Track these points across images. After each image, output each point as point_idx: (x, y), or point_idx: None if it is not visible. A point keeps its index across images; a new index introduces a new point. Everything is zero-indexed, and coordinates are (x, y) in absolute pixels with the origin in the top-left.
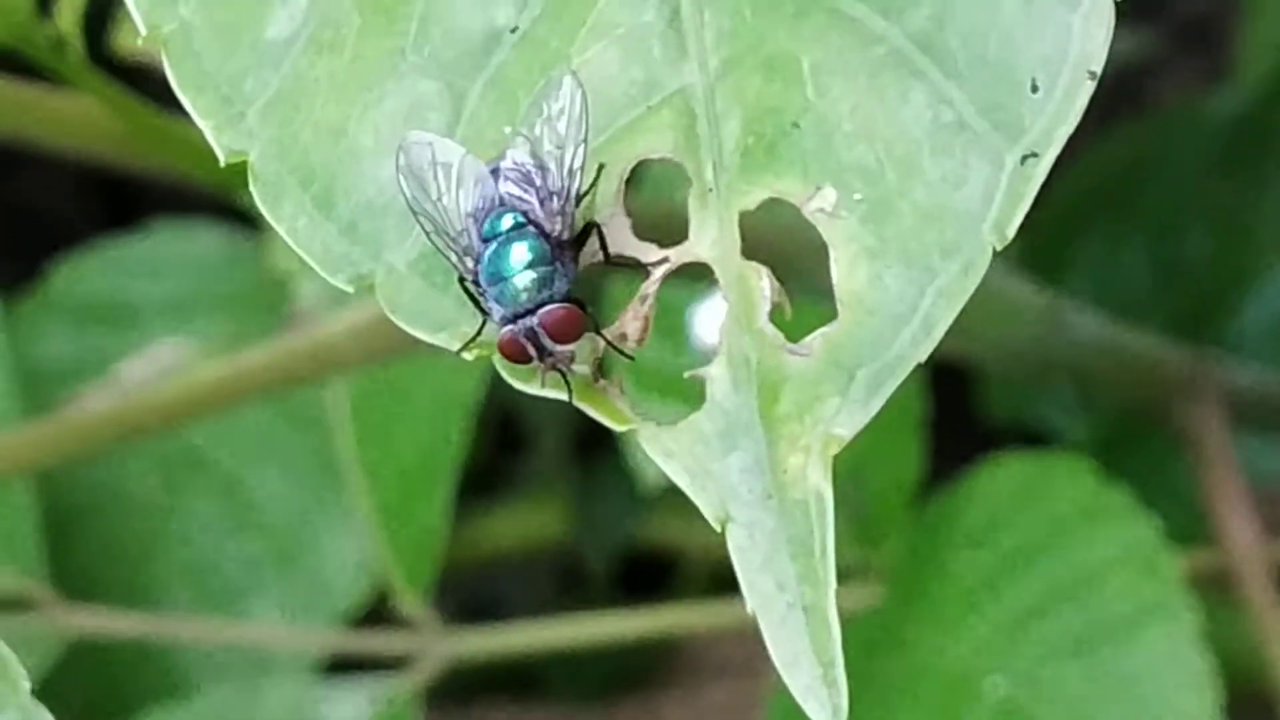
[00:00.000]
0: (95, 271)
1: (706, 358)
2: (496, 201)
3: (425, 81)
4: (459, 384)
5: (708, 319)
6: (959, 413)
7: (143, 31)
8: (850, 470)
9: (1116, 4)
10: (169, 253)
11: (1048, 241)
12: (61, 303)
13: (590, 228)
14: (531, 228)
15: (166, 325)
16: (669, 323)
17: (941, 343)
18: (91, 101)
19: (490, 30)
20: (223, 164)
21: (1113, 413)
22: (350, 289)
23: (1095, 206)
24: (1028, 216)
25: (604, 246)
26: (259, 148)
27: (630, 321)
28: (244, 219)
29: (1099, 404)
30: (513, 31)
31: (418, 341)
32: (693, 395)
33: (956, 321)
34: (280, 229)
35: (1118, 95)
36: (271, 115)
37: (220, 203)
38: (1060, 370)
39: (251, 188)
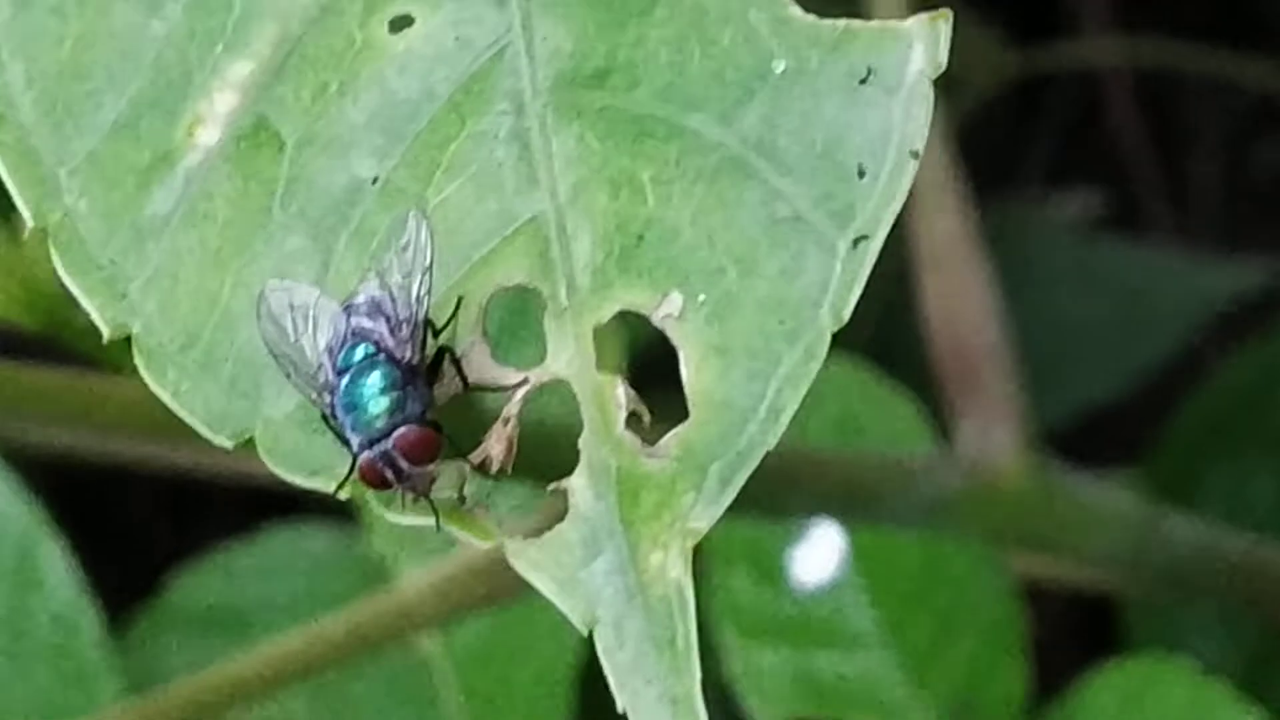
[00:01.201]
0: (209, 580)
1: (807, 598)
2: (349, 335)
3: (293, 239)
4: (560, 644)
5: (806, 560)
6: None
7: (30, 224)
8: (960, 696)
9: (935, 86)
10: (279, 556)
11: (1175, 463)
12: (179, 614)
13: (443, 354)
14: (382, 356)
15: (281, 627)
16: (767, 565)
17: (1059, 566)
18: (138, 386)
19: (352, 183)
20: (106, 340)
21: (1250, 626)
22: (230, 445)
23: (1222, 429)
24: (1155, 437)
25: (460, 372)
26: (140, 322)
27: (494, 444)
28: (347, 513)
29: (1235, 618)
30: (374, 182)
31: (498, 595)
32: None
33: (1059, 542)
34: (165, 395)
35: (1244, 323)
36: (152, 289)
37: (325, 502)
38: (1194, 588)
39: (136, 360)
